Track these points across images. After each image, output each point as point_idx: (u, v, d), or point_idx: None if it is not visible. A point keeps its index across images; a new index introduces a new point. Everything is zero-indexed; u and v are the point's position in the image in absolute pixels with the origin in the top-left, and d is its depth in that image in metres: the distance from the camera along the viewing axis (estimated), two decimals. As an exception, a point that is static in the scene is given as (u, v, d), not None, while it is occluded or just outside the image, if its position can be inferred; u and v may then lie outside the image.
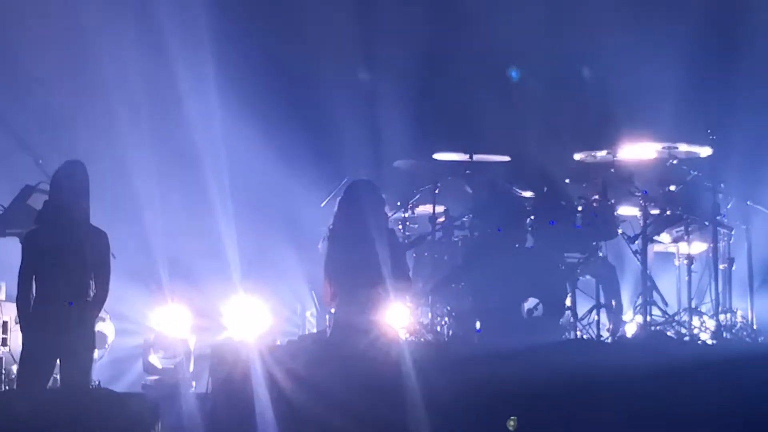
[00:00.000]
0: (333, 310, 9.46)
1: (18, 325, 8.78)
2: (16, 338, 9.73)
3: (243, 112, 13.00)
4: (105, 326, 10.48)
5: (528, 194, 11.84)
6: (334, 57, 13.51)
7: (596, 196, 11.53)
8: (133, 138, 12.73)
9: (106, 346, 10.65)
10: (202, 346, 11.18)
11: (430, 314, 11.56)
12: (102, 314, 9.64)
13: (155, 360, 11.06)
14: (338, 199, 9.37)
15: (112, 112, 12.78)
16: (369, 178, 10.05)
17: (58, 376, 8.76)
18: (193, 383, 11.02)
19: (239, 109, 13.00)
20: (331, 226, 9.09)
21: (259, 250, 13.04)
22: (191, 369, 11.15)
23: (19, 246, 8.92)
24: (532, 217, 11.64)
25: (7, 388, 9.93)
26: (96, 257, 8.78)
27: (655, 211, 11.56)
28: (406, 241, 11.85)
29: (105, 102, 12.80)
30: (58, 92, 12.80)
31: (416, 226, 12.32)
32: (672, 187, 11.57)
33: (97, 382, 9.37)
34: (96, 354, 9.15)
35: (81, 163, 8.92)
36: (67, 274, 8.65)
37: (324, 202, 12.04)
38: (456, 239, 11.91)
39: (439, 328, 11.47)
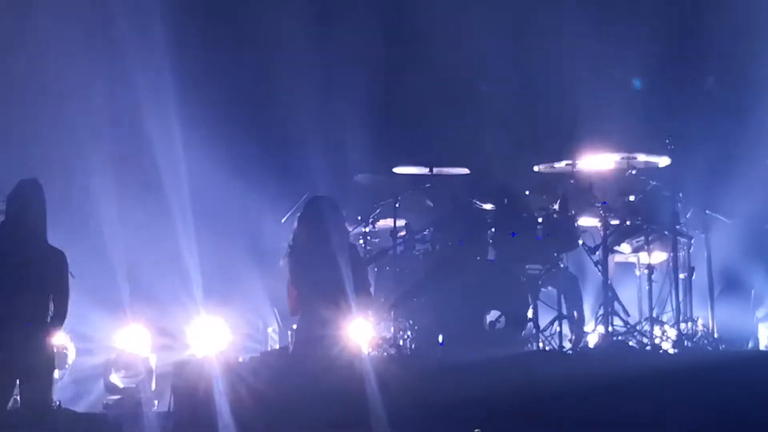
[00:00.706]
0: (295, 326, 9.44)
1: (-24, 346, 8.69)
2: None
3: (203, 130, 12.96)
4: (65, 346, 10.40)
5: (488, 207, 11.85)
6: (294, 73, 13.49)
7: (556, 207, 11.57)
8: (92, 157, 12.66)
9: (67, 366, 10.57)
10: (163, 365, 11.11)
11: (392, 328, 11.54)
12: (62, 334, 9.56)
13: (116, 379, 10.98)
14: (298, 216, 9.35)
15: (71, 131, 12.71)
16: (329, 193, 10.05)
17: (18, 397, 8.68)
18: (155, 402, 10.95)
19: (200, 127, 12.95)
20: (291, 243, 9.06)
21: (221, 267, 12.99)
22: (153, 388, 11.07)
23: (-24, 266, 8.83)
24: (493, 230, 11.64)
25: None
26: (54, 277, 8.72)
27: (615, 222, 11.59)
28: (368, 255, 11.83)
29: (63, 120, 12.74)
30: (15, 110, 12.72)
31: (377, 240, 12.30)
32: (631, 197, 11.62)
33: (58, 403, 9.27)
34: (57, 374, 9.08)
35: (37, 182, 8.86)
36: (25, 294, 8.58)
37: (284, 218, 11.99)
38: (417, 253, 11.91)
39: (401, 342, 11.45)
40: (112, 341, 11.45)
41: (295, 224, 9.17)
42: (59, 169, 12.24)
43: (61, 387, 10.27)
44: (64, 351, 10.38)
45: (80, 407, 10.57)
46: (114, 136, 12.93)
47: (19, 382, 8.58)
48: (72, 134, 12.71)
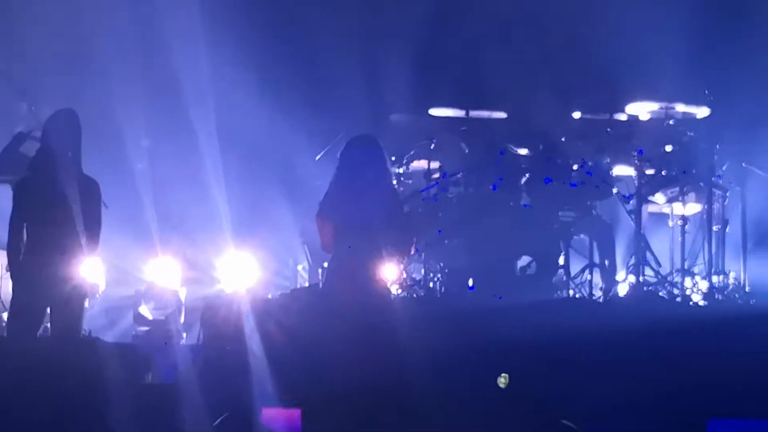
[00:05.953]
0: (326, 264, 9.38)
1: (8, 273, 8.71)
2: (6, 286, 9.65)
3: (237, 62, 12.87)
4: (96, 276, 10.42)
5: (524, 152, 11.80)
6: (333, 8, 13.37)
7: (592, 155, 11.51)
8: (124, 87, 12.61)
9: (97, 295, 10.57)
10: (193, 299, 11.15)
11: (423, 270, 11.55)
12: (94, 263, 9.57)
13: (146, 311, 11.02)
14: (340, 152, 9.19)
15: (101, 60, 12.67)
16: (365, 131, 9.94)
17: (48, 325, 8.72)
18: (184, 335, 11.00)
19: (233, 58, 12.87)
20: (333, 179, 8.86)
21: (252, 202, 12.97)
22: (182, 320, 11.12)
23: (11, 193, 8.84)
24: (528, 175, 11.61)
25: (-3, 336, 9.88)
26: (87, 206, 8.69)
27: (651, 171, 11.54)
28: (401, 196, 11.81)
29: (93, 49, 12.68)
30: (51, 43, 12.69)
31: (411, 181, 12.28)
32: (668, 148, 11.56)
33: (87, 332, 9.32)
34: (87, 303, 9.10)
35: (73, 112, 8.83)
36: (58, 223, 8.57)
37: (319, 156, 11.96)
38: (450, 196, 11.88)
39: (431, 285, 11.46)
40: (142, 273, 11.49)
41: (339, 160, 9.01)
42: (92, 99, 12.20)
43: (92, 316, 10.29)
44: (96, 281, 10.40)
45: (109, 337, 10.61)
46: (145, 67, 12.88)
47: (50, 310, 8.61)
48: (104, 65, 12.67)
